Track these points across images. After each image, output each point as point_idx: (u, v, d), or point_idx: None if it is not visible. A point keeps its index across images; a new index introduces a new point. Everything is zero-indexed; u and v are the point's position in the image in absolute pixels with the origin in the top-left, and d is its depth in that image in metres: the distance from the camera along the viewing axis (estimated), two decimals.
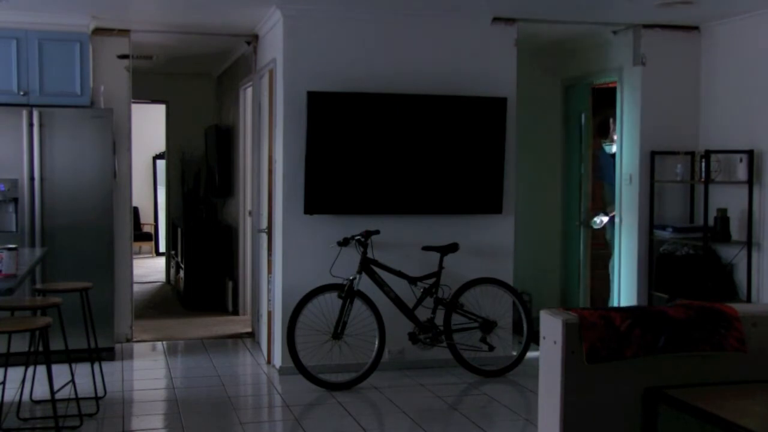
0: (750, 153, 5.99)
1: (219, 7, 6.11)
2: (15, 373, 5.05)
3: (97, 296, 5.79)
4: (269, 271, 6.35)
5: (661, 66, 6.56)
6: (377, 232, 5.78)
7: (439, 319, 5.88)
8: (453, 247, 5.88)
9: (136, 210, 12.56)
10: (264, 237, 6.59)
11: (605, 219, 7.16)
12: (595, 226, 7.19)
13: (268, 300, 6.36)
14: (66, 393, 4.98)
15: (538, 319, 3.11)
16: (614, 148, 6.93)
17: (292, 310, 5.64)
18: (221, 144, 8.93)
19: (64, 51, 6.28)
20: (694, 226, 6.47)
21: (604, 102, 7.15)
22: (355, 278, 5.65)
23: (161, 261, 11.78)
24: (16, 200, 6.08)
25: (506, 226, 6.28)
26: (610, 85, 6.97)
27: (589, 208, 7.30)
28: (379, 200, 5.99)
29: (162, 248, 12.67)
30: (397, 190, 5.99)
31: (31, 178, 6.10)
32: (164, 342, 7.11)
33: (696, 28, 6.56)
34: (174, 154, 10.20)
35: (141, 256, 12.78)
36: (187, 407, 5.29)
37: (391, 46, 6.04)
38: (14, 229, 6.08)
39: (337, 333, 5.66)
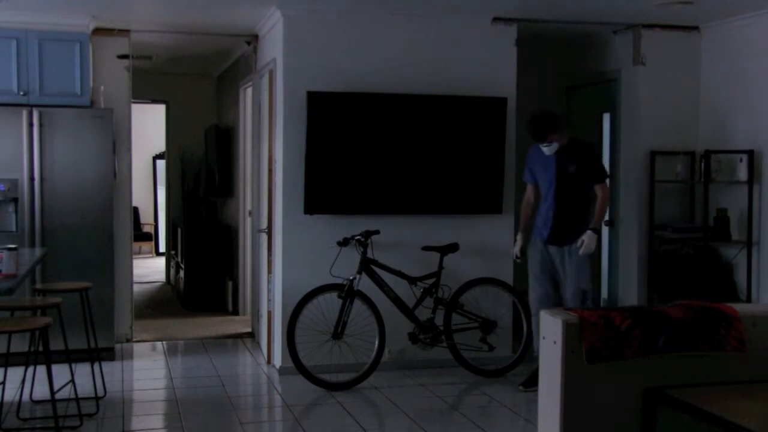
0: (750, 153, 5.99)
1: (219, 7, 6.11)
2: (15, 373, 5.05)
3: (97, 296, 5.80)
4: (269, 271, 6.35)
5: (661, 66, 6.56)
6: (377, 232, 5.78)
7: (439, 319, 5.87)
8: (453, 247, 5.88)
9: (136, 210, 12.56)
10: (264, 237, 6.59)
11: (519, 246, 5.79)
12: (518, 260, 5.87)
13: (268, 300, 6.36)
14: (66, 393, 4.98)
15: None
16: (547, 150, 5.51)
17: (292, 310, 5.63)
18: (221, 144, 8.93)
19: (64, 51, 6.28)
20: (694, 226, 6.48)
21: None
22: (355, 278, 5.64)
23: (161, 261, 11.78)
24: (16, 200, 6.08)
25: (506, 226, 6.28)
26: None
27: (522, 222, 5.86)
28: (379, 200, 5.99)
29: (162, 248, 12.67)
30: (397, 190, 5.99)
31: (31, 178, 6.10)
32: (164, 342, 7.11)
33: (696, 28, 6.56)
34: (174, 154, 10.20)
35: (141, 256, 12.78)
36: (187, 407, 5.29)
37: (391, 46, 6.04)
38: (14, 229, 6.08)
39: (337, 333, 5.66)
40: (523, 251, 5.75)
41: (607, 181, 5.85)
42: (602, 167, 5.72)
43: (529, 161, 5.73)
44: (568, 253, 5.49)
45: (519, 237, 5.81)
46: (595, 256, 5.73)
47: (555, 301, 5.56)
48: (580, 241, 5.45)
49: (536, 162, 5.66)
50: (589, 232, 5.45)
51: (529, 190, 5.79)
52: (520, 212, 5.87)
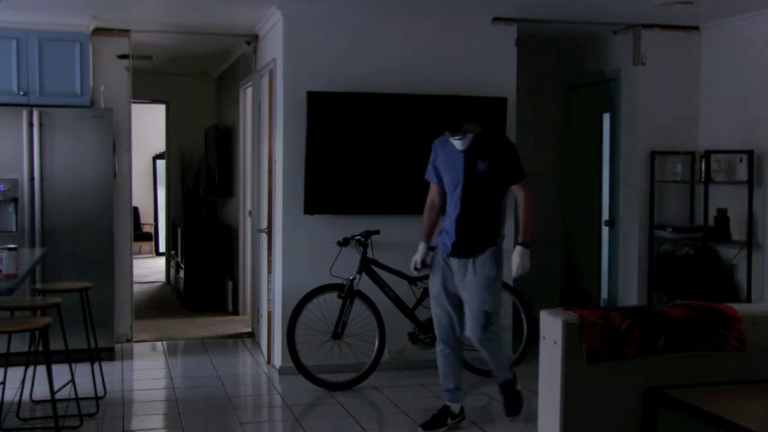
0: (750, 153, 5.99)
1: (219, 7, 6.11)
2: (15, 373, 5.05)
3: (97, 296, 5.79)
4: (269, 271, 6.35)
5: (661, 66, 6.56)
6: (377, 232, 5.78)
7: None
8: None
9: (136, 210, 12.56)
10: (264, 237, 6.59)
11: (420, 256, 4.89)
12: (416, 272, 5.01)
13: (268, 300, 6.36)
14: (66, 393, 4.98)
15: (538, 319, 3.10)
16: (460, 144, 4.66)
17: (292, 310, 5.63)
18: (221, 144, 8.93)
19: (64, 51, 6.28)
20: (694, 226, 6.47)
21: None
22: (355, 278, 5.64)
23: (161, 261, 11.78)
24: (16, 200, 6.08)
25: (506, 226, 6.26)
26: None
27: (426, 229, 4.95)
28: (379, 200, 5.99)
29: (162, 248, 12.67)
30: (397, 190, 5.98)
31: (31, 178, 6.09)
32: (164, 342, 7.11)
33: (696, 28, 6.56)
34: (174, 154, 10.20)
35: (141, 256, 12.78)
36: (187, 407, 5.29)
37: (390, 46, 6.04)
38: (14, 229, 6.08)
39: (337, 333, 5.66)
40: (425, 262, 4.90)
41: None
42: (520, 165, 4.74)
43: (433, 157, 4.88)
44: (472, 269, 4.66)
45: (421, 246, 4.90)
46: (528, 270, 4.75)
47: (453, 321, 4.81)
48: (514, 264, 4.69)
49: (441, 157, 4.81)
50: (518, 248, 4.70)
51: (433, 191, 4.93)
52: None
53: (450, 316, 4.80)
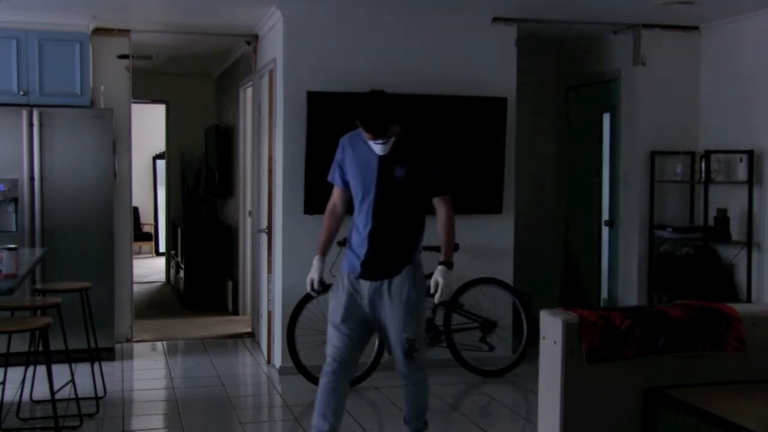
0: (750, 153, 5.99)
1: (219, 7, 6.11)
2: (15, 373, 5.05)
3: (97, 296, 5.79)
4: (269, 271, 6.35)
5: (661, 66, 6.56)
6: None
7: (439, 319, 5.87)
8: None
9: (136, 210, 12.56)
10: (264, 237, 6.59)
11: (318, 273, 4.13)
12: (315, 293, 4.28)
13: (268, 300, 6.36)
14: (66, 393, 4.98)
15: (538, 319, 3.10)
16: (381, 149, 3.97)
17: (292, 310, 5.63)
18: (221, 144, 8.93)
19: (64, 51, 6.29)
20: (694, 226, 6.48)
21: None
22: None
23: (161, 261, 11.78)
24: (16, 200, 6.08)
25: (506, 226, 6.28)
26: None
27: (323, 240, 4.24)
28: None
29: (162, 248, 12.67)
30: None
31: (31, 178, 6.10)
32: (164, 342, 7.11)
33: (696, 28, 6.56)
34: (174, 154, 10.20)
35: (141, 256, 12.78)
36: (187, 407, 5.29)
37: (390, 46, 6.04)
38: (14, 229, 6.08)
39: None
40: (323, 282, 4.21)
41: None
42: (446, 174, 4.06)
43: (340, 156, 4.21)
44: (388, 294, 3.97)
45: (317, 261, 4.16)
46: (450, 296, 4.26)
47: (355, 354, 4.13)
48: (434, 285, 4.00)
49: (350, 157, 4.13)
50: (441, 268, 4.01)
51: (336, 195, 4.24)
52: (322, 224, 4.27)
53: (349, 343, 4.07)
